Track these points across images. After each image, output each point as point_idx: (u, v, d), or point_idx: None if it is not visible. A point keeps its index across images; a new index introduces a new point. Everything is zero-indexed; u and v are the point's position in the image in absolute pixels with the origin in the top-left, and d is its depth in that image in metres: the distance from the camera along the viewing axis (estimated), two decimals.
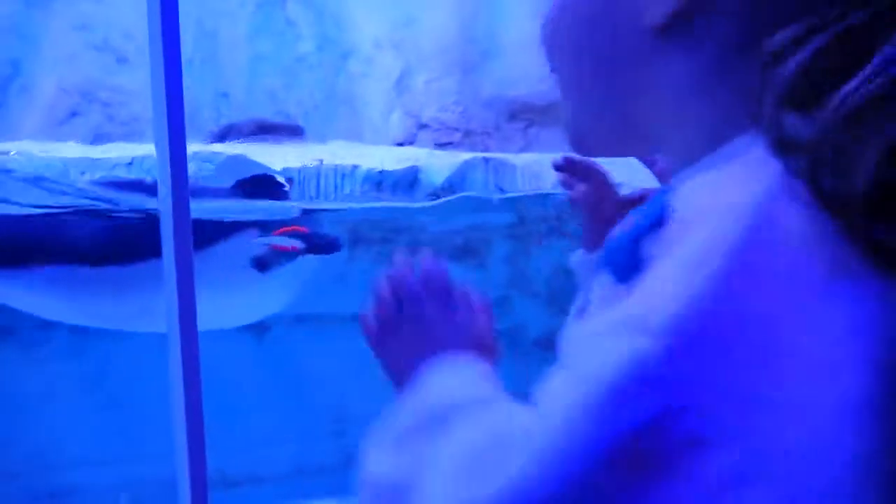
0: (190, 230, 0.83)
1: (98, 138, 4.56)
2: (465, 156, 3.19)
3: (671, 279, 0.28)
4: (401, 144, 4.44)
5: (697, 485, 0.27)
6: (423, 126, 4.53)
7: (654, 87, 0.38)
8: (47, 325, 2.45)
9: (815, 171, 0.29)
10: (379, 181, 2.82)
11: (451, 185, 3.06)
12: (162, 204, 0.84)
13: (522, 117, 4.70)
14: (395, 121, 4.55)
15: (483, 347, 0.50)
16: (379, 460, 0.40)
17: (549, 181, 3.30)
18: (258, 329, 2.71)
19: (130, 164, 2.54)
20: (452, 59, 4.59)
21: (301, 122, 4.50)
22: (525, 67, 4.78)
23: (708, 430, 0.27)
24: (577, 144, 0.44)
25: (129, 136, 4.50)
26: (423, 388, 0.44)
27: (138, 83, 4.54)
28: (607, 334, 0.29)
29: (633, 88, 0.39)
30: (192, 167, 2.82)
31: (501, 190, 3.14)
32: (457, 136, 4.52)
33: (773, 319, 0.28)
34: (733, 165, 0.33)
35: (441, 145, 4.44)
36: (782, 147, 0.30)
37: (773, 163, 0.31)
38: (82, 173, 2.48)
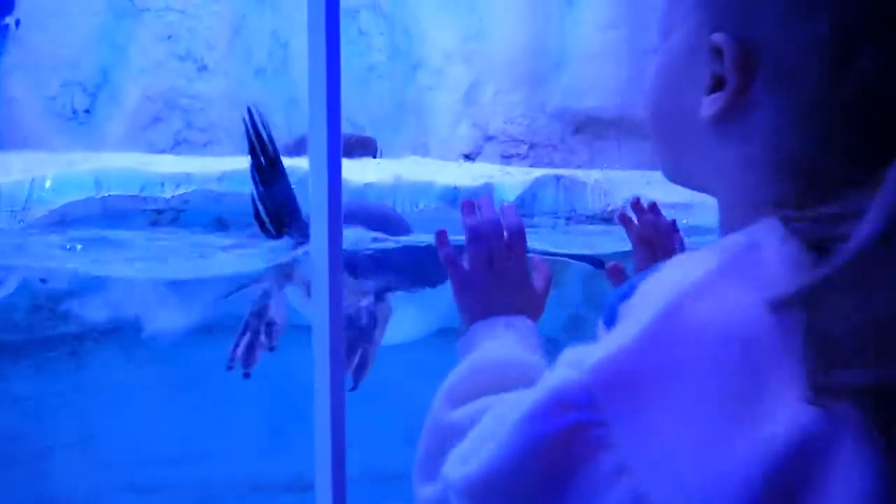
0: (341, 247, 0.89)
1: (178, 143, 4.76)
2: (537, 172, 3.23)
3: (611, 337, 0.38)
4: (467, 156, 4.51)
5: (593, 480, 0.35)
6: (489, 138, 4.59)
7: (704, 160, 0.46)
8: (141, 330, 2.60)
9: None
10: (454, 197, 2.89)
11: (523, 202, 3.11)
12: (315, 221, 0.89)
13: (587, 130, 4.72)
14: (463, 132, 4.61)
15: (537, 309, 0.63)
16: (441, 408, 0.53)
17: (620, 199, 3.32)
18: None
19: (221, 178, 2.67)
20: (521, 71, 4.63)
21: (370, 131, 4.61)
22: (592, 80, 4.79)
23: (607, 440, 0.36)
24: (664, 173, 0.52)
25: (208, 143, 4.69)
26: (483, 346, 0.56)
27: (217, 91, 4.73)
28: (563, 364, 0.39)
29: (689, 154, 0.47)
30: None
31: (573, 208, 3.17)
32: (523, 149, 4.56)
33: (677, 379, 0.35)
34: (703, 253, 0.39)
35: (507, 157, 4.49)
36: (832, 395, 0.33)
37: (738, 256, 0.37)
38: (177, 186, 2.62)
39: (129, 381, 2.61)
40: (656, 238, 0.76)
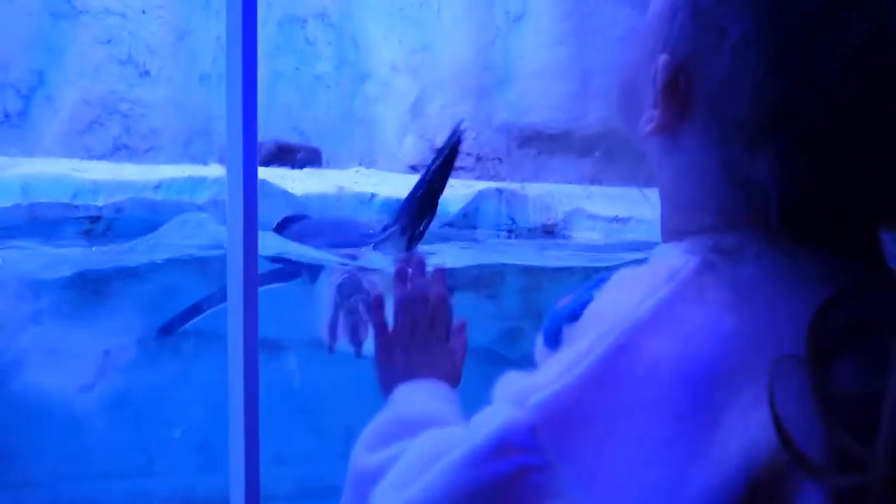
0: (257, 259, 0.88)
1: (117, 149, 4.64)
2: (480, 185, 3.26)
3: (555, 370, 0.35)
4: (414, 167, 4.52)
5: None
6: (436, 150, 4.61)
7: (654, 167, 0.47)
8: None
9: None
10: (396, 210, 2.89)
11: (466, 215, 3.14)
12: (231, 233, 0.88)
13: (534, 144, 4.79)
14: (409, 144, 4.63)
15: (455, 375, 0.63)
16: (359, 454, 0.53)
17: (560, 213, 3.37)
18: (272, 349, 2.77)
19: (158, 186, 2.62)
20: (467, 85, 4.68)
21: (316, 141, 4.59)
22: (538, 95, 4.87)
23: (553, 486, 0.33)
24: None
25: (149, 149, 4.59)
26: (403, 402, 0.56)
27: (159, 97, 4.63)
28: (505, 400, 0.37)
29: (653, 159, 0.47)
30: (210, 192, 2.90)
31: (514, 221, 3.21)
32: (469, 161, 4.60)
33: (624, 417, 0.33)
34: (652, 272, 0.38)
35: (454, 170, 4.52)
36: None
37: (690, 277, 0.36)
38: (111, 194, 2.56)
39: (62, 395, 2.52)
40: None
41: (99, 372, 2.47)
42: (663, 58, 0.42)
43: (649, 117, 0.43)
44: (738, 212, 0.39)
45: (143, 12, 4.50)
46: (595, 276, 0.42)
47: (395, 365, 0.65)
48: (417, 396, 0.56)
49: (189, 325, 2.37)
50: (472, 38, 4.67)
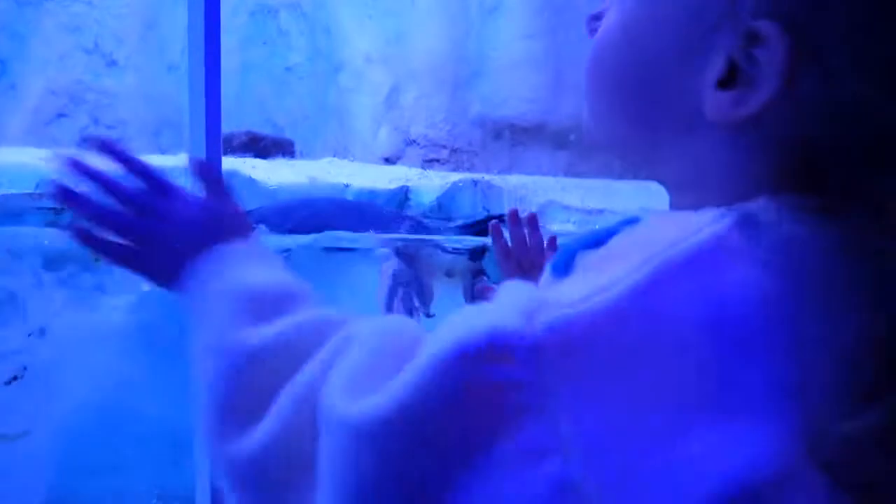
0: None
1: (84, 141, 4.55)
2: (455, 177, 3.25)
3: (573, 292, 0.31)
4: (388, 159, 4.49)
5: (516, 452, 0.30)
6: (411, 142, 4.59)
7: (682, 155, 0.39)
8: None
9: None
10: (370, 200, 2.88)
11: (441, 205, 3.12)
12: None
13: (508, 136, 4.78)
14: (384, 136, 4.60)
15: (243, 223, 0.47)
16: (228, 338, 0.38)
17: (535, 204, 3.37)
18: None
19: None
20: (442, 77, 4.66)
21: (289, 133, 4.53)
22: (512, 88, 4.86)
23: (541, 410, 0.30)
24: (594, 136, 0.43)
25: (117, 140, 4.50)
26: (234, 279, 0.41)
27: (126, 87, 4.54)
28: (506, 305, 0.32)
29: (662, 142, 0.40)
30: (182, 183, 2.86)
31: (488, 212, 3.20)
32: (444, 153, 4.58)
33: (631, 363, 0.30)
34: (688, 217, 0.34)
35: (428, 161, 4.50)
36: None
37: (729, 231, 0.32)
38: (77, 184, 2.49)
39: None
40: (523, 254, 0.71)
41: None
42: (770, 26, 0.35)
43: (731, 100, 0.36)
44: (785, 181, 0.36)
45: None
46: (622, 218, 0.38)
47: (154, 247, 0.45)
48: (243, 264, 0.44)
49: None
50: (447, 30, 4.65)
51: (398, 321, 0.37)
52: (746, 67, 0.35)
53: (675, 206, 0.40)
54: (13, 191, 2.60)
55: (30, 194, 2.57)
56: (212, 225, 0.44)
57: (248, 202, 2.65)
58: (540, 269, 0.70)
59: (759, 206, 0.35)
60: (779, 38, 0.34)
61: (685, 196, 0.39)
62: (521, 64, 4.71)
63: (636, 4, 0.39)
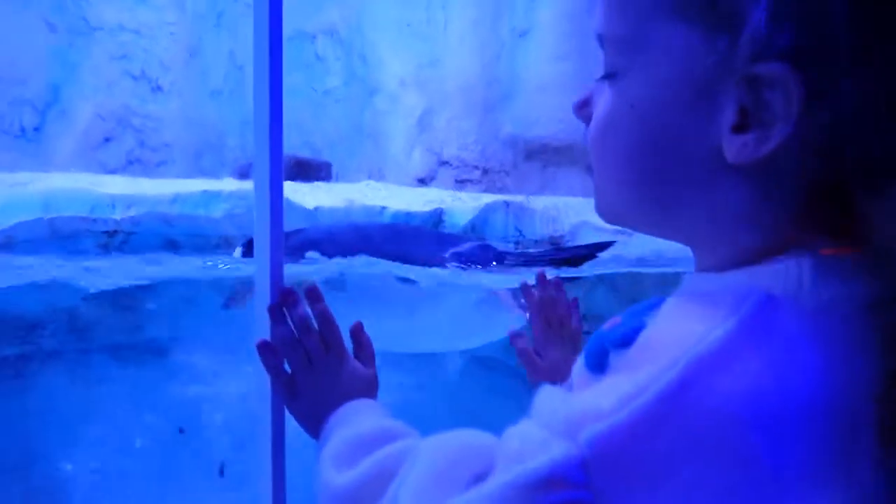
0: (282, 274, 0.92)
1: (130, 163, 4.72)
2: (487, 198, 3.32)
3: (609, 401, 0.32)
4: (422, 180, 4.58)
5: None
6: (443, 163, 4.67)
7: (700, 205, 0.38)
8: (88, 350, 2.58)
9: None
10: (406, 222, 2.96)
11: (474, 227, 3.19)
12: (258, 247, 0.90)
13: (539, 157, 4.85)
14: (417, 157, 4.69)
15: (372, 386, 0.59)
16: (330, 477, 0.46)
17: (567, 225, 3.42)
18: None
19: (174, 200, 2.68)
20: (474, 99, 4.74)
21: (326, 154, 4.65)
22: (543, 109, 4.93)
23: None
24: (606, 216, 0.44)
25: (161, 163, 4.67)
26: (351, 424, 0.51)
27: (171, 111, 4.71)
28: (552, 426, 0.33)
29: (678, 201, 0.39)
30: (226, 206, 2.96)
31: (521, 233, 3.26)
32: (476, 174, 4.66)
33: (682, 458, 0.31)
34: (713, 301, 0.34)
35: (461, 182, 4.58)
36: None
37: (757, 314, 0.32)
38: (128, 207, 2.62)
39: (75, 404, 2.58)
40: (553, 313, 0.78)
41: None
42: (780, 67, 0.34)
43: (745, 143, 0.35)
44: (802, 231, 0.35)
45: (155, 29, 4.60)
46: (645, 301, 0.38)
47: (311, 404, 0.56)
48: (361, 416, 0.52)
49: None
50: (478, 53, 4.75)
51: (463, 436, 0.40)
52: (756, 110, 0.35)
53: (700, 265, 0.41)
54: (69, 214, 2.74)
55: (84, 218, 2.71)
56: (348, 389, 0.55)
57: (290, 225, 2.74)
58: (567, 327, 0.77)
59: (787, 271, 0.34)
60: (786, 77, 0.34)
61: (710, 253, 0.39)
62: (552, 85, 4.78)
63: (641, 83, 0.39)
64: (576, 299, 0.78)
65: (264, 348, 0.58)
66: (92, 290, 2.50)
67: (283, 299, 0.57)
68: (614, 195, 0.42)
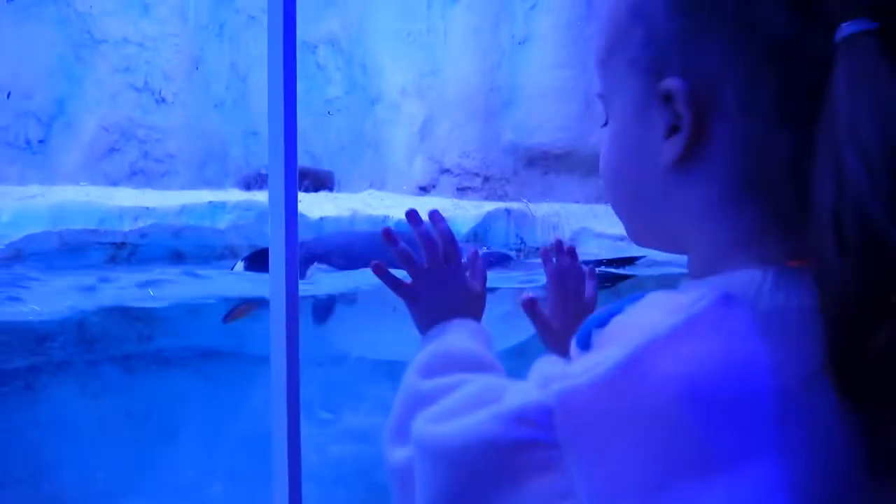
0: (297, 283, 0.95)
1: (134, 174, 4.76)
2: (489, 206, 3.35)
3: (580, 367, 0.40)
4: (423, 188, 4.62)
5: (541, 495, 0.39)
6: (444, 171, 4.71)
7: (672, 210, 0.46)
8: (96, 362, 2.61)
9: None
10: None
11: (476, 235, 3.22)
12: (274, 251, 0.93)
13: (540, 164, 4.88)
14: (419, 165, 4.73)
15: (479, 307, 0.67)
16: (413, 380, 0.53)
17: (568, 231, 3.46)
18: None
19: (180, 211, 2.72)
20: (474, 107, 4.78)
21: (328, 163, 4.70)
22: (543, 117, 4.97)
23: (559, 464, 0.39)
24: (631, 238, 0.52)
25: (165, 174, 4.71)
26: (446, 339, 0.59)
27: (175, 122, 4.76)
28: (536, 380, 0.41)
29: (658, 210, 0.47)
30: (231, 217, 3.00)
31: (522, 240, 3.29)
32: (477, 182, 4.70)
33: (619, 426, 0.37)
34: (679, 298, 0.40)
35: (462, 190, 4.62)
36: None
37: (717, 312, 0.38)
38: (135, 219, 2.66)
39: (84, 414, 2.61)
40: (570, 281, 0.81)
41: None
42: (670, 80, 0.42)
43: (672, 144, 0.42)
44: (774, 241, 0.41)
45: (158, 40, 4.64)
46: (631, 294, 0.45)
47: (425, 311, 0.65)
48: (458, 334, 0.61)
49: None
50: (479, 62, 4.79)
51: (501, 380, 0.48)
52: (673, 118, 0.42)
53: (689, 269, 0.48)
54: (76, 226, 2.77)
55: (93, 230, 2.74)
56: (462, 301, 0.64)
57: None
58: (581, 295, 0.81)
59: (751, 277, 0.40)
60: (677, 85, 0.41)
61: (691, 258, 0.47)
62: (551, 93, 4.82)
63: (613, 124, 0.47)
64: (592, 268, 0.82)
65: (378, 268, 0.68)
66: (100, 302, 2.54)
67: (408, 218, 0.65)
68: (624, 222, 0.50)
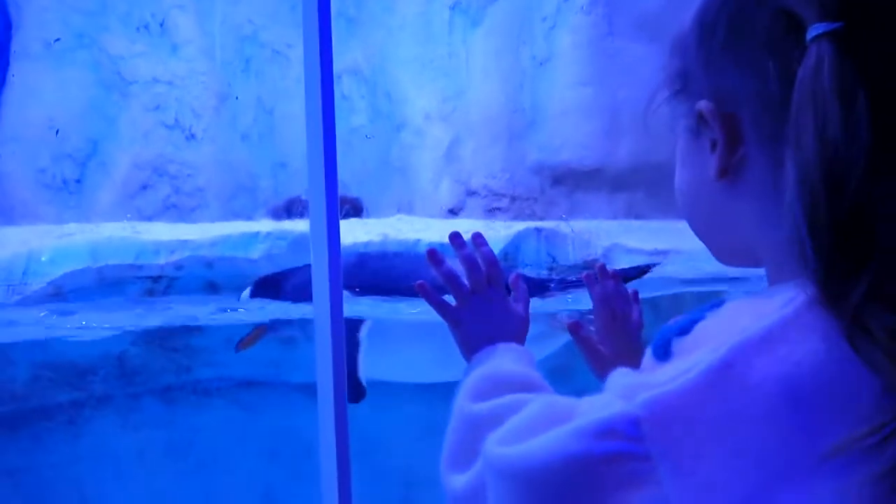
0: (342, 311, 0.95)
1: (166, 209, 4.85)
2: (519, 226, 3.35)
3: (666, 375, 0.39)
4: (452, 211, 4.63)
5: None
6: (471, 193, 4.72)
7: (732, 225, 0.47)
8: (137, 395, 2.64)
9: None
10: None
11: (506, 255, 3.22)
12: (317, 279, 0.94)
13: (566, 182, 4.87)
14: (445, 188, 4.75)
15: (523, 329, 0.67)
16: (466, 404, 0.53)
17: (599, 248, 3.43)
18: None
19: (214, 243, 2.76)
20: (498, 128, 4.80)
21: (356, 190, 4.73)
22: (568, 134, 4.97)
23: (649, 476, 0.37)
24: (717, 259, 0.52)
25: (196, 207, 4.79)
26: (494, 363, 0.59)
27: (204, 157, 4.85)
28: (616, 391, 0.40)
29: (719, 226, 0.48)
30: (264, 246, 3.03)
31: (554, 259, 3.28)
32: (504, 202, 4.70)
33: (725, 427, 0.36)
34: (761, 304, 0.40)
35: (490, 211, 4.62)
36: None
37: (798, 314, 0.37)
38: (171, 253, 2.70)
39: (126, 448, 2.63)
40: (616, 304, 0.80)
41: None
42: (703, 103, 0.44)
43: (713, 159, 0.44)
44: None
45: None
46: (709, 301, 0.45)
47: (469, 334, 0.64)
48: (504, 358, 0.60)
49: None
50: (501, 84, 4.82)
51: (563, 398, 0.48)
52: (712, 137, 0.45)
53: (767, 278, 0.47)
54: (113, 261, 2.83)
55: (130, 265, 2.79)
56: (506, 325, 0.65)
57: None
58: (629, 318, 0.81)
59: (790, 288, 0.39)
60: (709, 110, 0.44)
61: (772, 273, 0.46)
62: (574, 111, 4.82)
63: (678, 141, 0.50)
64: (636, 292, 0.81)
65: (423, 288, 0.70)
66: (139, 335, 2.57)
67: (451, 241, 0.67)
68: (705, 244, 0.52)
